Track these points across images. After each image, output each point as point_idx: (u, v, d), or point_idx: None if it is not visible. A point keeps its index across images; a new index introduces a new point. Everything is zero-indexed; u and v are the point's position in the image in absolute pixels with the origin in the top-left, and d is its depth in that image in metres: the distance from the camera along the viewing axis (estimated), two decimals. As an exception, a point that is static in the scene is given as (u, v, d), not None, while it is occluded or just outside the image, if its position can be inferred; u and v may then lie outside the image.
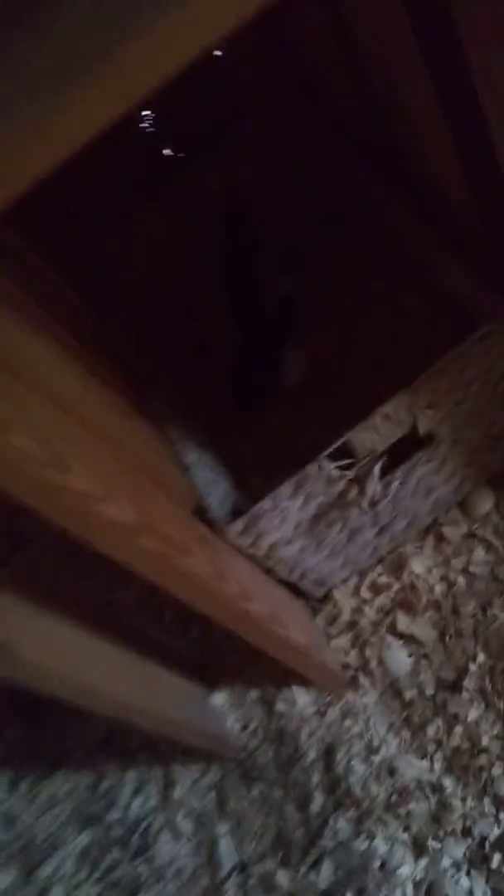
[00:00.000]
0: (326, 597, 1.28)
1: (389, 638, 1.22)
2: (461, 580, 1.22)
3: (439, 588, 1.23)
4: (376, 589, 1.27)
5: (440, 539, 1.26)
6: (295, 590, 1.24)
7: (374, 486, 1.08)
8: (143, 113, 1.48)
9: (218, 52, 1.46)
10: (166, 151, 1.51)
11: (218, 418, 1.37)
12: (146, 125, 1.50)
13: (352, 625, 1.25)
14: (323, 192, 1.44)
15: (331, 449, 1.05)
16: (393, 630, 1.23)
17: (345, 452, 1.07)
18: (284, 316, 1.44)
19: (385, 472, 1.10)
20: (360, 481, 1.08)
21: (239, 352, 1.42)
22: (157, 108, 1.48)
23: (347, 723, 1.19)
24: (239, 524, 1.05)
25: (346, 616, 1.26)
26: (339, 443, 1.05)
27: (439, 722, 1.14)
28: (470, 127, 0.90)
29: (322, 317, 1.43)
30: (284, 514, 1.08)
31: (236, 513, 1.15)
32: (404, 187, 1.22)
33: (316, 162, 1.40)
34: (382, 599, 1.26)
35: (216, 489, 1.15)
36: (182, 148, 1.50)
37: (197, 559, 0.91)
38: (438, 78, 0.91)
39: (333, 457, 1.06)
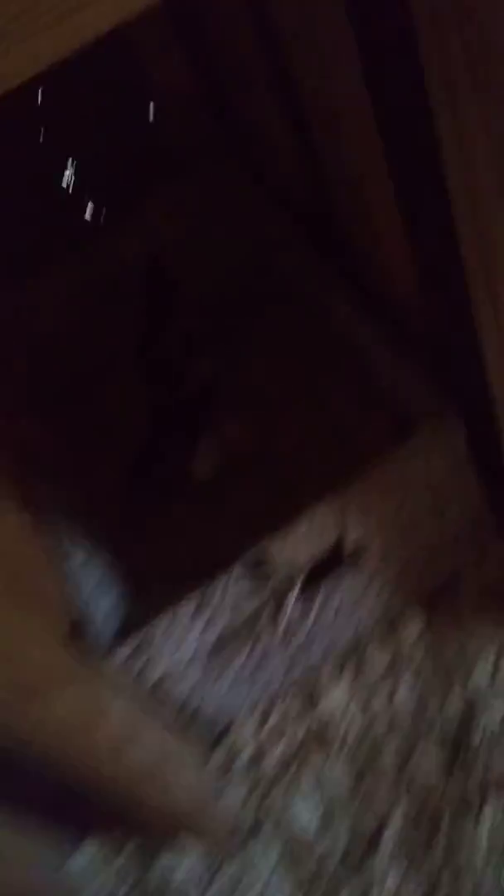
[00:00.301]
0: (223, 735, 1.08)
1: (295, 785, 1.03)
2: (383, 715, 1.05)
3: (358, 724, 1.05)
4: (283, 726, 1.08)
5: (362, 665, 1.09)
6: (185, 729, 1.04)
7: (291, 608, 0.90)
8: (66, 163, 1.33)
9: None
10: (87, 207, 1.36)
11: (115, 512, 1.19)
12: (68, 177, 1.35)
13: (251, 770, 1.06)
14: (251, 262, 1.31)
15: (243, 559, 0.88)
16: (300, 776, 1.03)
17: (259, 563, 0.90)
18: (201, 401, 1.28)
19: (304, 588, 0.93)
20: (275, 600, 0.91)
21: (146, 436, 1.25)
22: (81, 160, 1.33)
23: (241, 890, 0.98)
24: (125, 648, 0.86)
25: (244, 759, 1.06)
26: (253, 551, 0.88)
27: (352, 889, 0.94)
28: (428, 211, 0.76)
29: (240, 402, 1.27)
30: (182, 638, 0.89)
31: (125, 632, 0.96)
32: (343, 266, 1.10)
33: (245, 229, 1.28)
34: (290, 738, 1.06)
35: (103, 600, 0.96)
36: (103, 205, 1.35)
37: (61, 704, 0.71)
38: (395, 152, 0.79)
39: (246, 568, 0.89)
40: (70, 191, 1.38)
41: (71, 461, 1.23)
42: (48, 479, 1.04)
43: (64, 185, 1.38)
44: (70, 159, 1.36)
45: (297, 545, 0.89)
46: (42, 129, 1.29)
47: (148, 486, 1.22)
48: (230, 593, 0.88)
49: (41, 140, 1.30)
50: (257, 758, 1.05)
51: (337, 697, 1.07)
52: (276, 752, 1.06)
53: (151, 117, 1.35)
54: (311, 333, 1.25)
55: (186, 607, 0.87)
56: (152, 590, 1.09)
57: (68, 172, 1.36)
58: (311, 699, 1.08)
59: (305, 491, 1.13)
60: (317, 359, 1.24)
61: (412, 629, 1.09)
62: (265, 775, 1.04)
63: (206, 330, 1.33)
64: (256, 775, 1.05)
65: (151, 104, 1.32)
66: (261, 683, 1.04)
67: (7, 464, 0.99)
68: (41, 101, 1.28)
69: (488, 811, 0.94)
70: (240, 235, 1.28)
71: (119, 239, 1.28)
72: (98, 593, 0.96)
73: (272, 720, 1.08)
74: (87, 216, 1.41)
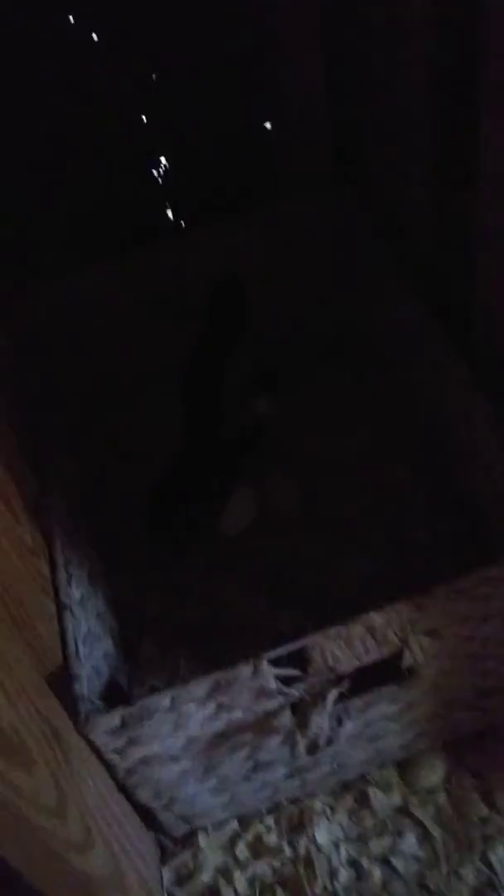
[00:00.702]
0: (186, 839, 0.90)
1: (257, 929, 0.85)
2: (376, 872, 0.87)
3: (344, 875, 0.87)
4: (258, 849, 0.89)
5: (362, 804, 0.91)
6: (148, 817, 0.86)
7: (321, 723, 0.73)
8: (164, 152, 1.19)
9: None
10: (173, 204, 1.21)
11: (126, 548, 1.03)
12: (162, 168, 1.21)
13: (210, 893, 0.87)
14: (344, 306, 1.17)
15: (278, 652, 0.71)
16: (263, 918, 0.85)
17: (293, 658, 0.73)
18: (246, 443, 1.12)
19: (336, 700, 0.76)
20: (301, 708, 0.74)
21: (176, 469, 1.09)
22: (181, 153, 1.19)
23: None
24: (113, 718, 0.69)
25: (205, 877, 0.88)
26: (291, 646, 0.72)
27: None
28: None
29: (290, 457, 1.12)
30: (182, 722, 0.72)
31: (111, 692, 0.79)
32: (458, 343, 0.95)
33: (346, 269, 1.14)
34: (262, 867, 0.88)
35: (94, 648, 0.79)
36: (192, 206, 1.21)
37: (31, 779, 0.54)
38: None
39: (276, 661, 0.72)
40: (160, 182, 1.23)
41: (89, 482, 1.08)
42: (61, 498, 0.87)
43: (155, 174, 1.23)
44: (170, 150, 1.21)
45: (347, 649, 0.73)
46: (146, 113, 1.15)
47: (167, 526, 1.06)
48: (252, 685, 0.71)
49: (144, 123, 1.16)
50: (219, 881, 0.87)
51: (327, 833, 0.89)
52: (242, 880, 0.87)
53: (269, 125, 1.21)
54: (392, 403, 1.11)
55: (197, 690, 0.70)
56: (149, 646, 0.93)
57: (164, 162, 1.22)
58: (297, 826, 0.90)
59: (348, 571, 0.98)
60: (392, 432, 1.10)
61: (431, 776, 0.92)
62: (223, 906, 0.86)
63: (271, 368, 1.18)
64: (212, 903, 0.86)
65: (273, 113, 1.18)
66: (249, 791, 0.86)
67: (18, 474, 0.83)
68: (156, 84, 1.15)
69: None
70: (338, 274, 1.14)
71: (198, 246, 1.13)
72: (89, 639, 0.79)
73: (248, 837, 0.90)
74: (171, 214, 1.26)
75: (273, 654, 0.70)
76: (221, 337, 1.14)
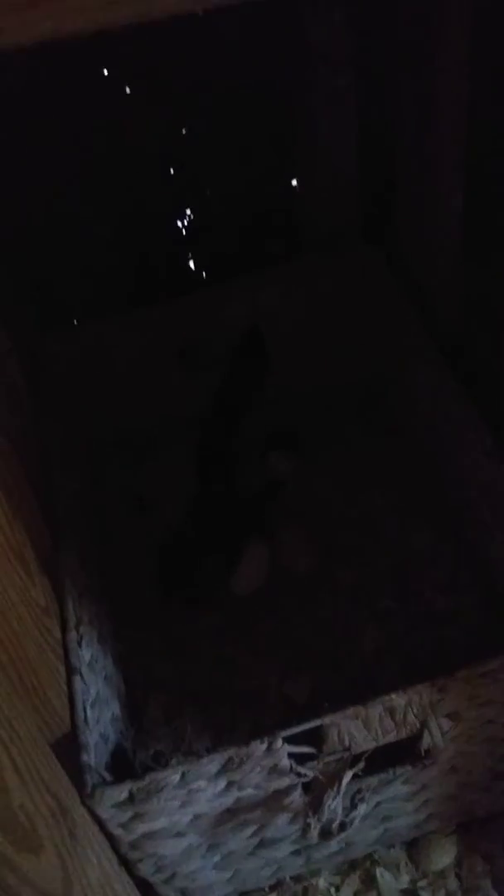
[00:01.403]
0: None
1: None
2: None
3: None
4: (260, 928, 0.86)
5: (368, 885, 0.88)
6: (147, 890, 0.82)
7: (335, 806, 0.71)
8: (191, 200, 1.19)
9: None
10: (194, 256, 1.21)
11: (136, 605, 1.01)
12: (183, 221, 1.21)
13: None
14: (363, 367, 1.16)
15: (293, 730, 0.69)
16: None
17: (307, 735, 0.71)
18: (261, 501, 1.11)
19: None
20: (315, 789, 0.72)
21: (189, 524, 1.07)
22: (209, 203, 1.19)
23: None
24: (121, 791, 0.66)
25: None
26: (308, 725, 0.69)
27: None
28: None
29: (304, 513, 1.10)
30: (191, 798, 0.69)
31: (117, 760, 0.76)
32: (476, 396, 0.94)
33: (369, 332, 1.13)
34: None
35: (102, 713, 0.77)
36: (216, 258, 1.20)
37: (38, 863, 0.52)
38: None
39: (292, 741, 0.69)
40: (186, 236, 1.23)
41: (101, 539, 1.06)
42: (72, 556, 0.85)
43: (181, 228, 1.23)
44: (198, 205, 1.21)
45: (365, 729, 0.70)
46: (174, 166, 1.16)
47: (178, 584, 1.04)
48: (265, 764, 0.69)
49: (171, 176, 1.16)
50: None
51: (332, 913, 0.86)
52: None
53: (296, 183, 1.21)
54: (416, 467, 1.09)
55: (208, 766, 0.67)
56: (154, 708, 0.91)
57: (190, 215, 1.22)
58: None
59: (364, 641, 0.96)
60: (415, 497, 1.08)
61: (441, 859, 0.89)
62: None
63: (291, 427, 1.17)
64: None
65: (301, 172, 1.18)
66: (253, 868, 0.83)
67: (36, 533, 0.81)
68: (185, 138, 1.15)
69: None
70: (363, 334, 1.14)
71: (222, 300, 1.13)
72: (97, 704, 0.76)
73: (247, 916, 0.87)
74: (195, 268, 1.26)
75: (289, 732, 0.68)
76: (241, 391, 1.13)
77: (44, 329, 1.07)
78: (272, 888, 0.88)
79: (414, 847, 0.90)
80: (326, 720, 0.69)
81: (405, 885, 0.88)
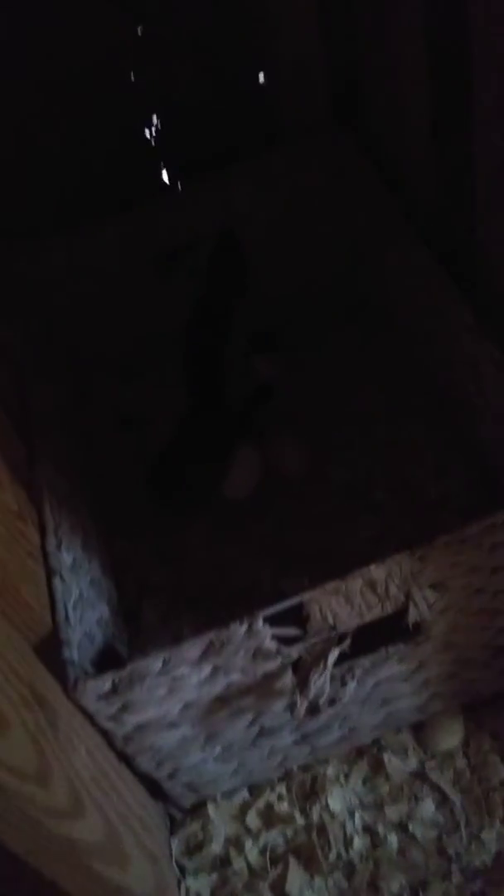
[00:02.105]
0: (195, 809, 0.88)
1: (269, 897, 0.82)
2: (392, 839, 0.84)
3: (359, 842, 0.84)
4: (270, 817, 0.87)
5: (377, 769, 0.88)
6: (154, 787, 0.83)
7: (322, 683, 0.70)
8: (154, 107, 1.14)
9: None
10: (164, 160, 1.17)
11: (127, 515, 1.00)
12: (149, 126, 1.16)
13: (221, 863, 0.85)
14: (347, 259, 1.12)
15: (273, 609, 0.68)
16: (277, 888, 0.82)
17: (292, 617, 0.70)
18: (252, 407, 1.09)
19: (339, 660, 0.73)
20: (302, 669, 0.71)
21: (179, 434, 1.06)
22: (172, 107, 1.14)
23: None
24: (104, 682, 0.66)
25: (216, 847, 0.85)
26: (287, 603, 0.68)
27: None
28: None
29: (293, 415, 1.08)
30: (177, 686, 0.69)
31: (106, 659, 0.76)
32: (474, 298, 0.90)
33: (347, 220, 1.09)
34: (274, 836, 0.85)
35: (86, 614, 0.76)
36: (184, 162, 1.16)
37: (4, 742, 0.52)
38: None
39: (274, 620, 0.69)
40: (152, 140, 1.18)
41: (90, 454, 1.05)
42: (48, 465, 0.84)
43: (147, 132, 1.18)
44: (161, 108, 1.16)
45: (347, 605, 0.69)
46: (133, 68, 1.11)
47: (169, 494, 1.03)
48: (249, 645, 0.68)
49: (132, 80, 1.12)
50: (230, 851, 0.84)
51: (341, 799, 0.86)
52: (254, 849, 0.84)
53: (263, 77, 1.16)
54: (400, 359, 1.07)
55: (189, 651, 0.67)
56: (150, 614, 0.90)
57: (155, 120, 1.17)
58: (310, 793, 0.87)
59: (357, 536, 0.95)
60: (401, 389, 1.06)
61: (448, 739, 0.88)
62: (235, 876, 0.83)
63: (270, 327, 1.14)
64: (224, 874, 0.84)
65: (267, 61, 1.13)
66: (257, 759, 0.84)
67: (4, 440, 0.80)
68: (143, 33, 1.10)
69: None
70: (339, 223, 1.10)
71: (194, 202, 1.09)
72: (82, 606, 0.76)
73: (258, 805, 0.87)
74: (165, 173, 1.21)
75: (268, 611, 0.67)
76: (221, 297, 1.10)
77: (7, 248, 1.05)
78: (280, 779, 0.88)
79: (420, 730, 0.89)
80: (306, 597, 0.68)
81: (413, 768, 0.87)
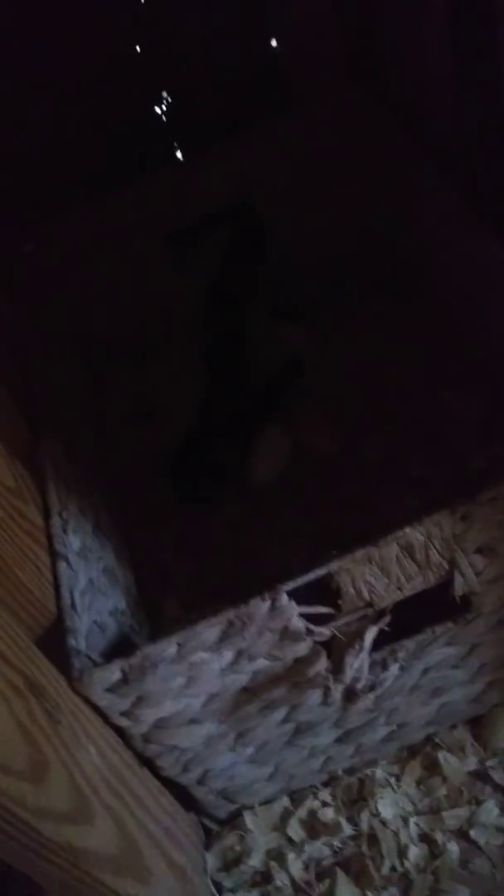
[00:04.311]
0: (231, 820, 0.79)
1: (318, 919, 0.73)
2: (453, 848, 0.74)
3: (415, 852, 0.75)
4: (314, 827, 0.78)
5: (432, 770, 0.79)
6: (184, 796, 0.75)
7: (360, 665, 0.62)
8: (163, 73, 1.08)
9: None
10: (174, 128, 1.11)
11: (151, 504, 0.94)
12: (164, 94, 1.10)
13: (261, 879, 0.76)
14: (364, 213, 1.05)
15: (298, 581, 0.60)
16: (324, 906, 0.74)
17: (323, 594, 0.62)
18: (278, 383, 1.02)
19: (380, 643, 0.64)
20: (336, 651, 0.63)
21: (202, 419, 0.99)
22: (180, 74, 1.08)
23: None
24: (112, 672, 0.59)
25: (255, 861, 0.77)
26: (313, 575, 0.60)
27: None
28: None
29: (323, 391, 1.01)
30: (196, 674, 0.62)
31: (121, 652, 0.69)
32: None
33: (372, 180, 1.02)
34: (319, 847, 0.77)
35: (96, 602, 0.69)
36: (195, 129, 1.10)
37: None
38: None
39: (302, 597, 0.61)
40: (165, 110, 1.12)
41: (96, 435, 0.99)
42: (54, 445, 0.78)
43: (161, 102, 1.12)
44: (173, 77, 1.10)
45: (384, 576, 0.61)
46: (143, 38, 1.06)
47: (193, 484, 0.96)
48: (273, 625, 0.60)
49: (141, 48, 1.07)
50: (271, 866, 0.76)
51: (392, 805, 0.77)
52: (298, 863, 0.76)
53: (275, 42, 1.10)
54: (435, 322, 0.99)
55: (206, 633, 0.59)
56: (174, 610, 0.83)
57: (165, 93, 1.11)
58: (358, 799, 0.78)
59: (397, 516, 0.86)
60: (438, 355, 0.97)
61: (509, 733, 0.79)
62: (278, 892, 0.75)
63: (297, 295, 1.07)
64: (266, 890, 0.75)
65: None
66: (296, 761, 0.75)
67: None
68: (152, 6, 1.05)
69: None
70: (362, 181, 1.03)
71: (203, 174, 1.03)
72: (91, 594, 0.69)
73: (300, 814, 0.78)
74: (174, 144, 1.15)
75: (292, 584, 0.59)
76: (241, 272, 1.04)
77: (15, 229, 1.00)
78: (324, 785, 0.80)
79: (478, 725, 0.80)
80: (334, 566, 0.60)
81: (473, 767, 0.78)
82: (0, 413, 0.72)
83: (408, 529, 0.60)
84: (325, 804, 0.79)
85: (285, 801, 0.79)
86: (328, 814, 0.78)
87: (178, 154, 1.11)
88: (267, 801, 0.79)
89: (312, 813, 0.78)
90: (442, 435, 0.91)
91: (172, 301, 1.05)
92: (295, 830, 0.77)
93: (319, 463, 0.94)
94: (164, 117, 1.09)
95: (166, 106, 1.09)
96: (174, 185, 1.02)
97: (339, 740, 0.75)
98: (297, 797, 0.79)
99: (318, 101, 1.03)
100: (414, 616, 0.66)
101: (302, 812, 0.78)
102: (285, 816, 0.78)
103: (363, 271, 1.05)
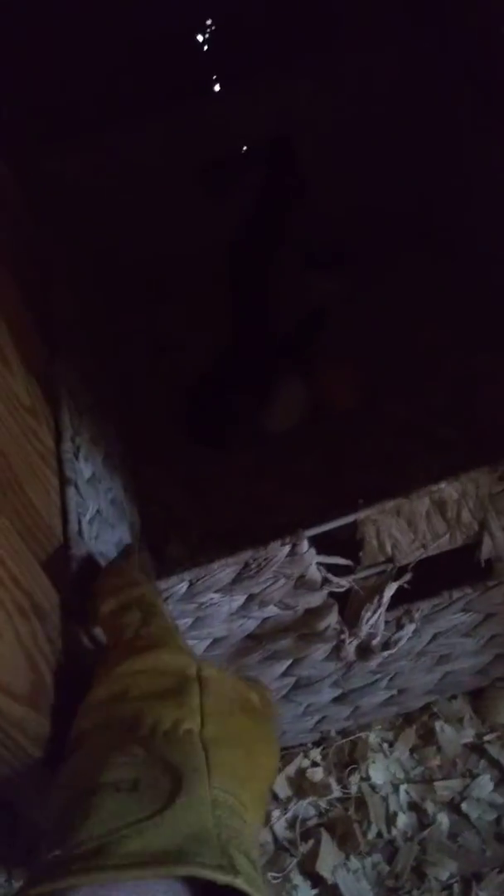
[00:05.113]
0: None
1: (299, 878, 0.71)
2: (443, 819, 0.72)
3: (403, 820, 0.73)
4: (301, 786, 0.76)
5: (427, 739, 0.77)
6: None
7: (375, 621, 0.59)
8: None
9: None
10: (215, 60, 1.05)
11: (160, 442, 0.90)
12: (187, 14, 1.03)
13: (244, 833, 0.74)
14: (415, 173, 1.00)
15: (320, 528, 0.57)
16: (307, 866, 0.71)
17: (343, 546, 0.59)
18: (303, 332, 0.98)
19: (394, 603, 0.62)
20: (353, 604, 0.60)
21: (221, 359, 0.95)
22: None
23: None
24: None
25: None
26: (338, 522, 0.57)
27: None
28: None
29: (349, 344, 0.97)
30: (204, 616, 0.59)
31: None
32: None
33: (421, 128, 0.97)
34: (305, 807, 0.75)
35: (104, 534, 0.66)
36: (236, 62, 1.04)
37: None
38: None
39: (321, 546, 0.58)
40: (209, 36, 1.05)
41: (112, 368, 0.95)
42: (70, 369, 0.74)
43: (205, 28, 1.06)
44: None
45: (410, 531, 0.58)
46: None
47: (206, 420, 0.93)
48: (291, 571, 0.57)
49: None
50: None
51: (384, 771, 0.75)
52: (282, 821, 0.74)
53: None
54: (476, 284, 0.95)
55: (221, 574, 0.56)
56: (177, 546, 0.80)
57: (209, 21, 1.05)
58: (349, 761, 0.76)
59: (428, 477, 0.83)
60: (474, 317, 0.94)
61: (510, 709, 0.77)
62: (262, 849, 0.73)
63: (337, 248, 1.03)
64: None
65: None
66: (292, 718, 0.73)
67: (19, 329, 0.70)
68: None
69: None
70: (414, 132, 0.98)
71: (244, 105, 0.98)
72: (99, 523, 0.66)
73: (288, 771, 0.76)
74: (215, 71, 1.08)
75: (315, 530, 0.56)
76: (272, 213, 1.00)
77: (44, 144, 0.95)
78: (315, 744, 0.77)
79: (479, 698, 0.78)
80: (361, 516, 0.57)
81: (469, 739, 0.76)
82: (19, 331, 0.68)
83: (444, 484, 0.56)
84: (314, 764, 0.76)
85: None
86: (317, 774, 0.76)
87: (218, 85, 1.05)
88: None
89: (301, 772, 0.76)
90: (471, 398, 0.88)
91: (197, 235, 1.00)
92: (281, 787, 0.75)
93: (340, 417, 0.91)
94: (209, 43, 1.03)
95: (211, 31, 1.03)
96: (213, 116, 0.97)
97: (336, 699, 0.72)
98: (286, 755, 0.77)
99: (375, 43, 0.97)
100: (429, 577, 0.63)
101: (290, 769, 0.76)
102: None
103: (403, 225, 1.01)
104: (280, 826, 0.74)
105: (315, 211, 0.99)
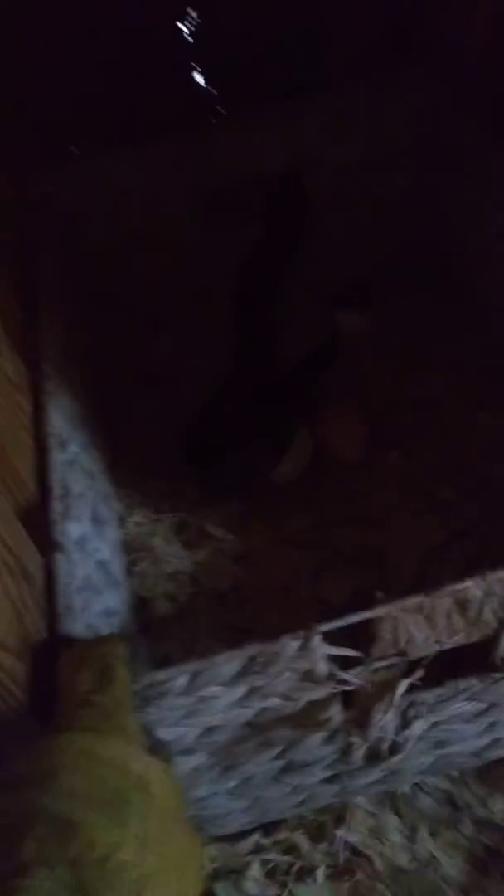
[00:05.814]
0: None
1: None
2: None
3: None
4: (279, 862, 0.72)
5: (419, 818, 0.73)
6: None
7: (387, 723, 0.55)
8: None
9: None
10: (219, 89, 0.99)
11: (149, 489, 0.86)
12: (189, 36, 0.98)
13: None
14: (421, 200, 0.97)
15: (336, 622, 0.53)
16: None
17: (358, 638, 0.55)
18: (308, 370, 0.94)
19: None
20: (361, 701, 0.56)
21: (222, 399, 0.91)
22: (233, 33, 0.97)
23: None
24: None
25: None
26: (356, 618, 0.53)
27: None
28: None
29: (353, 390, 0.93)
30: (202, 707, 0.54)
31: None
32: None
33: (434, 168, 0.94)
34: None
35: (92, 603, 0.61)
36: (245, 90, 0.99)
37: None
38: None
39: (333, 640, 0.54)
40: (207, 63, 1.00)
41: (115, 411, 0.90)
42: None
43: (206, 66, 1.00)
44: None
45: (428, 628, 0.54)
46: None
47: (207, 468, 0.88)
48: (298, 666, 0.53)
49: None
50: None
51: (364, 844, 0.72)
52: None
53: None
54: (482, 335, 0.92)
55: (225, 668, 0.52)
56: (171, 610, 0.76)
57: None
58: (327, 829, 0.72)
59: (426, 541, 0.80)
60: (480, 371, 0.91)
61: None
62: None
63: (367, 279, 0.99)
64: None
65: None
66: (277, 798, 0.69)
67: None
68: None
69: None
70: (423, 172, 0.94)
71: (253, 136, 0.93)
72: (87, 596, 0.61)
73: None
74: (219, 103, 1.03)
75: (331, 625, 0.52)
76: (278, 247, 0.95)
77: (40, 167, 0.89)
78: (304, 822, 0.73)
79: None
80: (380, 613, 0.53)
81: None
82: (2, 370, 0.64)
83: (470, 583, 0.53)
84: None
85: (258, 835, 0.73)
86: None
87: (220, 115, 0.99)
88: (240, 835, 0.72)
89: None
90: (474, 460, 0.84)
91: (198, 268, 0.96)
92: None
93: (340, 470, 0.87)
94: (215, 72, 0.97)
95: (217, 63, 0.97)
96: (217, 143, 0.92)
97: (327, 780, 0.68)
98: (269, 828, 0.73)
99: (371, 78, 0.93)
100: (433, 668, 0.60)
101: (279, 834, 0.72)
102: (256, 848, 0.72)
103: (410, 267, 0.98)
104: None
105: (338, 249, 0.94)
